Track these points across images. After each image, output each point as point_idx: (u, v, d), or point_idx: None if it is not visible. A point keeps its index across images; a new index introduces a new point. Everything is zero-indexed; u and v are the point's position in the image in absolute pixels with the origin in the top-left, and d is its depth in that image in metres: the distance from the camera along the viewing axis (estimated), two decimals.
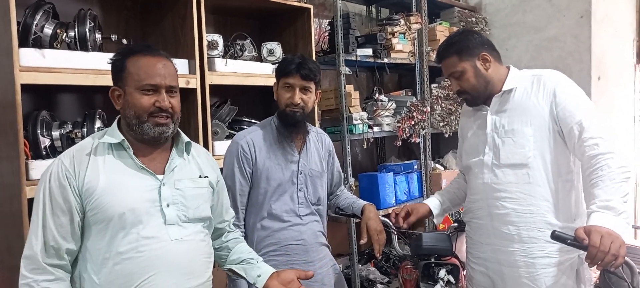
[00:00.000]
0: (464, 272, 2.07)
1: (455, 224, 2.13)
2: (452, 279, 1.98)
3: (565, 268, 1.77)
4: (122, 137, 1.44)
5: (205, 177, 1.57)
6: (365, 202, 2.06)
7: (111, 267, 1.37)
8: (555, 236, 1.56)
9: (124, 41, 2.26)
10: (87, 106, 2.36)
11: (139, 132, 1.44)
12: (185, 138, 1.56)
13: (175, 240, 1.44)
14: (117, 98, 1.47)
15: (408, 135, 3.54)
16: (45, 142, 2.00)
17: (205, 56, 2.38)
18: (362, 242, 1.96)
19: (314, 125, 2.47)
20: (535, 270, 1.77)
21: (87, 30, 2.05)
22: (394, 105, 3.53)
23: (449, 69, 1.91)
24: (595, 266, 1.56)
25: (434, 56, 3.74)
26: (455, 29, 4.07)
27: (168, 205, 1.44)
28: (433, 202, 2.13)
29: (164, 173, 1.47)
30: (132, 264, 1.38)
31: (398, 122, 3.50)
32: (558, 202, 1.77)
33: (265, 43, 2.77)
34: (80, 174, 1.39)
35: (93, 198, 1.38)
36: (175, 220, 1.45)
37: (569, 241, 1.54)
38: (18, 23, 1.87)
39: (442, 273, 1.97)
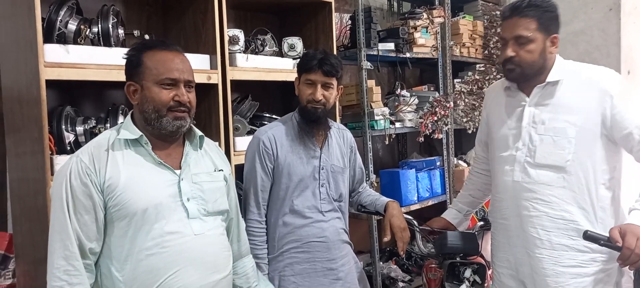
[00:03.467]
0: (490, 272, 2.02)
1: (481, 223, 2.08)
2: (478, 279, 1.93)
3: (599, 280, 1.65)
4: (140, 133, 1.43)
5: (220, 171, 1.58)
6: (388, 199, 2.03)
7: (135, 263, 1.37)
8: (588, 236, 1.51)
9: (147, 36, 2.26)
10: (110, 102, 2.37)
11: (157, 126, 1.44)
12: (198, 132, 1.56)
13: (198, 234, 1.44)
14: (133, 93, 1.46)
15: (430, 131, 3.48)
16: (69, 137, 2.01)
17: (227, 51, 2.37)
18: (386, 239, 1.93)
19: (335, 121, 2.44)
20: (565, 279, 1.66)
21: (110, 26, 2.06)
22: (416, 101, 3.49)
23: (516, 29, 1.63)
24: (627, 267, 1.51)
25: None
26: (479, 22, 3.99)
27: (188, 200, 1.45)
28: (450, 214, 2.06)
29: (180, 168, 1.47)
30: (157, 260, 1.38)
31: (420, 117, 3.46)
32: (595, 211, 1.65)
33: (286, 38, 2.74)
34: (100, 171, 1.38)
35: (115, 194, 1.37)
36: (197, 214, 1.46)
37: (602, 241, 1.50)
38: (43, 19, 1.88)
39: (468, 273, 1.92)
